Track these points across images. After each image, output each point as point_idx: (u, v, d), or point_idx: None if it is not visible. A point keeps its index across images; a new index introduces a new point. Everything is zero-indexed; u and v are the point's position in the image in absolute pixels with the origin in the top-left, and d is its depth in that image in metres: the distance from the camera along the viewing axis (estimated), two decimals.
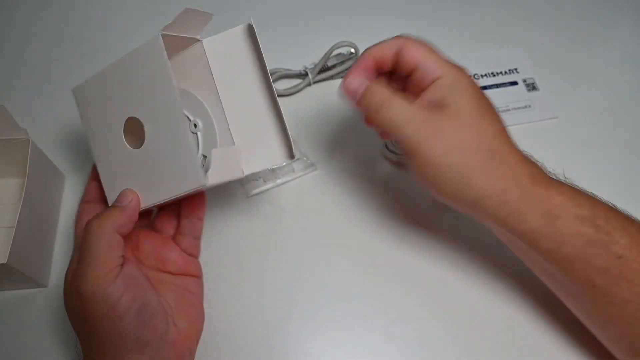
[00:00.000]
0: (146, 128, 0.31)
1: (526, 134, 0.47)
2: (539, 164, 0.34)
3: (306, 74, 0.50)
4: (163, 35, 0.30)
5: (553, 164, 0.46)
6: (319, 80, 0.50)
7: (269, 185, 0.43)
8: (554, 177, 0.33)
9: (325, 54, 0.49)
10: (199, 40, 0.34)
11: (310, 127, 0.48)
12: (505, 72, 0.52)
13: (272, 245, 0.42)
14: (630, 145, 0.47)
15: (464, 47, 0.54)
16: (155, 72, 0.30)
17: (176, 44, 0.33)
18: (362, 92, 0.34)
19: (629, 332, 0.31)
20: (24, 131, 0.39)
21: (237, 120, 0.34)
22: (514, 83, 0.51)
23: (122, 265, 0.30)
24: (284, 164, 0.33)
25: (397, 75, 0.35)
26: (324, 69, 0.50)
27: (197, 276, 0.36)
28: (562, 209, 0.30)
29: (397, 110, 0.32)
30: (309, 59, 0.50)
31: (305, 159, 0.45)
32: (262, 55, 0.32)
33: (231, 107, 0.34)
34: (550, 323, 0.37)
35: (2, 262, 0.34)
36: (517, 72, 0.52)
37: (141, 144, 0.32)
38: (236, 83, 0.33)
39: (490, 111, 0.33)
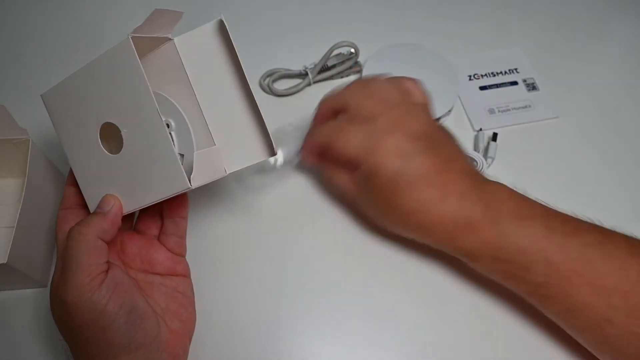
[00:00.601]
0: (123, 133, 0.31)
1: (526, 134, 0.48)
2: (490, 184, 0.36)
3: (306, 74, 0.50)
4: (133, 38, 0.29)
5: (553, 164, 0.46)
6: (319, 80, 0.50)
7: (267, 180, 0.43)
8: (509, 204, 0.34)
9: (325, 54, 0.49)
10: (170, 39, 0.33)
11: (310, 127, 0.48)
12: (506, 72, 0.52)
13: (265, 243, 0.42)
14: (631, 145, 0.47)
15: (464, 47, 0.54)
16: (127, 76, 0.29)
17: (147, 44, 0.32)
18: (319, 167, 0.41)
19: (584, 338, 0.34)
20: (24, 131, 0.39)
21: (215, 117, 0.33)
22: (514, 83, 0.51)
23: (106, 271, 0.30)
24: (265, 160, 0.33)
25: None
26: (324, 69, 0.50)
27: (186, 275, 0.36)
28: (477, 255, 0.34)
29: (337, 183, 0.39)
30: (309, 59, 0.50)
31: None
32: (235, 51, 0.31)
33: (209, 105, 0.33)
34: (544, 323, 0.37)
35: (2, 262, 0.33)
36: (517, 72, 0.52)
37: (119, 149, 0.31)
38: (212, 81, 0.33)
39: (408, 187, 0.34)
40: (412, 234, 0.37)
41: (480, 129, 0.47)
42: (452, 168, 0.35)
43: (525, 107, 0.49)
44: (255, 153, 0.33)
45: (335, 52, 0.49)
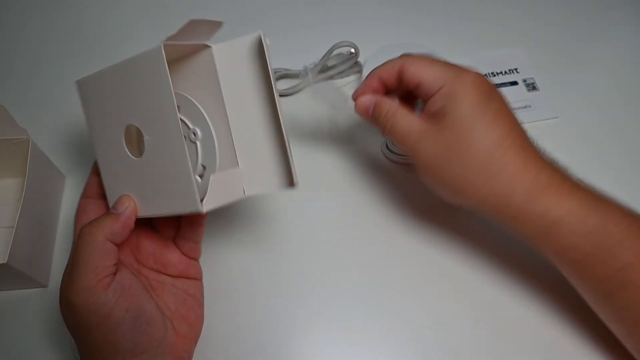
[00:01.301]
0: (146, 139, 0.30)
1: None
2: (557, 164, 0.34)
3: (306, 74, 0.50)
4: (165, 45, 0.28)
5: None
6: (319, 81, 0.50)
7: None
8: (574, 179, 0.33)
9: (325, 54, 0.49)
10: (208, 46, 0.32)
11: (310, 126, 0.48)
12: (505, 72, 0.52)
13: (272, 246, 0.42)
14: (631, 145, 0.47)
15: (464, 46, 0.54)
16: (155, 85, 0.28)
17: (184, 48, 0.32)
18: (371, 109, 0.36)
19: (634, 332, 0.32)
20: (24, 131, 0.39)
21: (241, 134, 0.32)
22: (514, 83, 0.51)
23: (115, 273, 0.29)
24: (283, 191, 0.31)
25: (409, 92, 0.36)
26: (324, 69, 0.50)
27: (198, 278, 0.36)
28: (559, 226, 0.31)
29: (400, 122, 0.35)
30: (309, 59, 0.50)
31: None
32: (269, 72, 0.30)
33: (236, 119, 0.32)
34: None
35: (2, 262, 0.33)
36: (517, 72, 0.52)
37: (141, 154, 0.31)
38: (243, 96, 0.32)
39: (494, 116, 0.32)
40: (479, 188, 0.33)
41: None
42: (522, 129, 0.33)
43: (525, 107, 0.49)
44: (274, 182, 0.32)
45: (335, 52, 0.49)
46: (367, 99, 0.37)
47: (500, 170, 0.32)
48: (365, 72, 0.49)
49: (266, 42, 0.30)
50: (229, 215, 0.43)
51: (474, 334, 0.38)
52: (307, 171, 0.45)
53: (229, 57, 0.32)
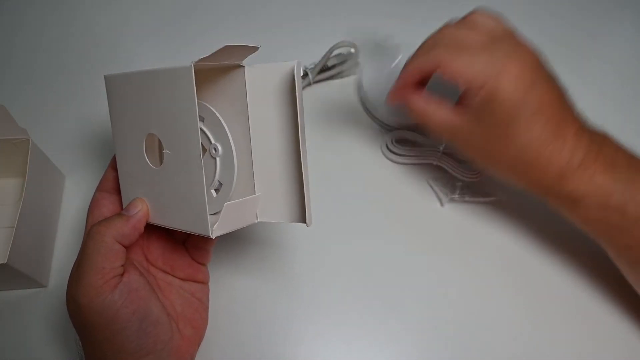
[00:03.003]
0: (165, 152, 0.29)
1: None
2: (596, 134, 0.35)
3: (306, 74, 0.50)
4: (195, 64, 0.27)
5: None
6: (319, 80, 0.50)
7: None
8: (611, 149, 0.35)
9: (325, 54, 0.49)
10: (241, 66, 0.32)
11: (310, 126, 0.48)
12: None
13: (273, 247, 0.42)
14: (632, 145, 0.47)
15: None
16: (181, 105, 0.28)
17: (217, 65, 0.31)
18: (407, 103, 0.38)
19: None
20: (24, 131, 0.39)
21: (261, 157, 0.32)
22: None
23: (122, 275, 0.29)
24: (296, 223, 0.31)
25: None
26: (324, 69, 0.50)
27: (205, 282, 0.36)
28: (586, 199, 0.34)
29: (434, 118, 0.37)
30: (309, 59, 0.50)
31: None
32: (296, 105, 0.29)
33: (259, 141, 0.32)
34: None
35: (2, 262, 0.33)
36: None
37: (160, 163, 0.30)
38: (269, 120, 0.31)
39: (537, 106, 0.33)
40: (517, 174, 0.36)
41: None
42: (566, 106, 0.35)
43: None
44: (287, 214, 0.31)
45: (335, 52, 0.49)
46: (398, 94, 0.38)
47: (537, 157, 0.34)
48: (366, 72, 0.49)
49: (299, 74, 0.29)
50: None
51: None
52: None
53: (261, 81, 0.31)
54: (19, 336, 0.38)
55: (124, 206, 0.33)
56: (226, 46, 0.27)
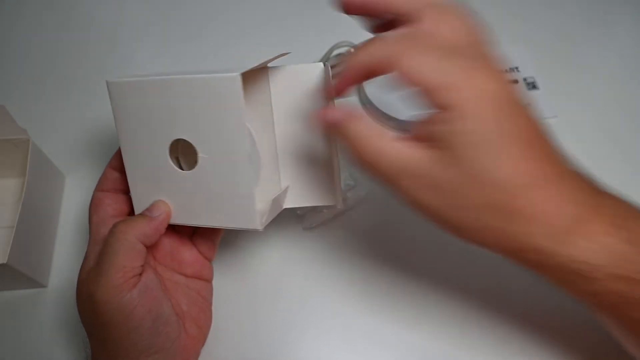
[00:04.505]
0: (200, 157, 0.30)
1: None
2: (592, 183, 0.27)
3: None
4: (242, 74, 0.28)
5: None
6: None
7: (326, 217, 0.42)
8: (612, 201, 0.27)
9: (325, 54, 0.49)
10: (265, 67, 0.32)
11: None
12: (506, 71, 0.51)
13: (271, 247, 0.42)
14: (630, 145, 0.47)
15: None
16: (227, 112, 0.28)
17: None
18: (335, 125, 0.27)
19: None
20: (24, 131, 0.39)
21: (288, 152, 0.34)
22: (515, 82, 0.51)
23: (140, 274, 0.29)
24: (328, 205, 0.33)
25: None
26: None
27: (209, 280, 0.36)
28: (592, 268, 0.25)
29: (381, 152, 0.26)
30: (309, 59, 0.50)
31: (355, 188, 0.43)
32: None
33: (284, 138, 0.33)
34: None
35: (2, 262, 0.33)
36: (518, 71, 0.52)
37: (187, 167, 0.31)
38: (295, 116, 0.33)
39: (515, 138, 0.25)
40: (494, 230, 0.25)
41: None
42: (546, 140, 0.27)
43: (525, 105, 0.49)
44: (321, 197, 0.34)
45: (335, 52, 0.49)
46: (333, 114, 0.27)
47: (522, 211, 0.25)
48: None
49: (328, 73, 0.30)
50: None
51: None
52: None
53: (287, 79, 0.33)
54: (19, 336, 0.38)
55: (135, 208, 0.33)
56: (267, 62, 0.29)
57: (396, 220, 0.43)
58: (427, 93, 0.24)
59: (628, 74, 0.52)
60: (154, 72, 0.32)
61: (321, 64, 0.30)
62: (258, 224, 0.30)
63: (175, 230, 0.35)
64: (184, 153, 0.33)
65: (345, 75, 0.27)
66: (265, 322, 0.38)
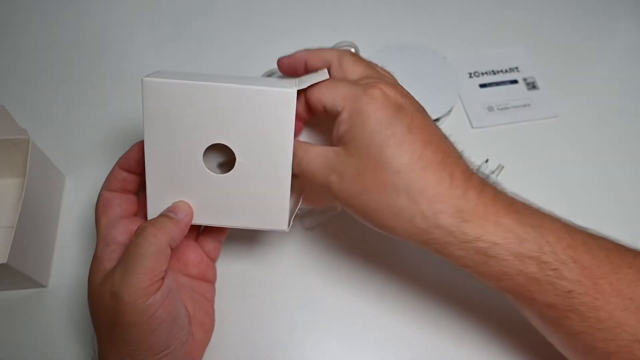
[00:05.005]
0: (238, 162, 0.31)
1: (525, 133, 0.48)
2: (485, 179, 0.31)
3: None
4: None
5: (552, 163, 0.46)
6: None
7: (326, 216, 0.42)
8: (506, 195, 0.30)
9: None
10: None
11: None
12: (506, 71, 0.52)
13: (269, 248, 0.42)
14: (630, 145, 0.47)
15: (466, 45, 0.54)
16: (277, 123, 0.30)
17: None
18: None
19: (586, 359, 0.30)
20: (24, 131, 0.39)
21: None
22: (514, 82, 0.51)
23: (164, 278, 0.30)
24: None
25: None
26: None
27: (213, 282, 0.36)
28: (498, 248, 0.28)
29: (306, 156, 0.31)
30: None
31: None
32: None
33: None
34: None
35: (2, 262, 0.33)
36: (518, 71, 0.52)
37: (222, 170, 0.33)
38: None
39: (406, 131, 0.29)
40: (402, 217, 0.29)
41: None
42: (445, 141, 0.30)
43: (525, 105, 0.49)
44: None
45: None
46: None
47: (421, 191, 0.28)
48: None
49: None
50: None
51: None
52: None
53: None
54: (19, 336, 0.38)
55: (149, 207, 0.32)
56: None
57: None
58: (333, 109, 0.31)
59: (628, 74, 0.52)
60: (187, 72, 0.33)
61: (292, 91, 0.30)
62: (286, 225, 0.32)
63: None
64: (210, 157, 0.33)
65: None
66: (265, 321, 0.38)
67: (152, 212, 0.32)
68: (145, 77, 0.30)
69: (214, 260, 0.36)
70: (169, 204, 0.32)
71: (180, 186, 0.32)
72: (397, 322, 0.38)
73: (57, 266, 0.41)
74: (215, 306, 0.36)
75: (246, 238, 0.42)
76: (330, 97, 0.31)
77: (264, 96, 0.30)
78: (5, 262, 0.33)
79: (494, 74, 0.51)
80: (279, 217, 0.32)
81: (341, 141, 0.30)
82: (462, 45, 0.53)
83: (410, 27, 0.55)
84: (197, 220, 0.32)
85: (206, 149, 0.31)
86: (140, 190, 0.34)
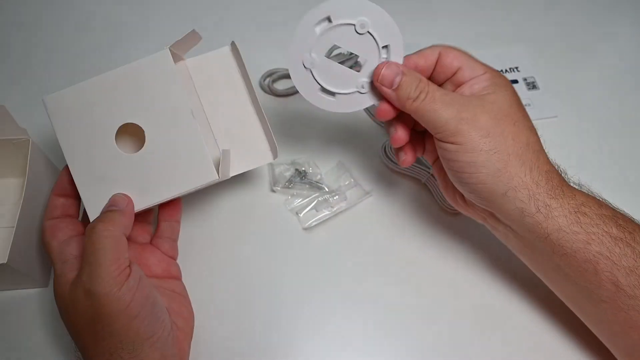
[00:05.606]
0: (147, 132, 0.33)
1: None
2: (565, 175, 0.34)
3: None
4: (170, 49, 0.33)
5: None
6: None
7: (325, 214, 0.43)
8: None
9: (325, 54, 0.49)
10: (182, 59, 0.36)
11: (309, 127, 0.48)
12: (506, 71, 0.52)
13: (266, 248, 0.42)
14: (629, 145, 0.47)
15: (466, 45, 0.53)
16: (162, 81, 0.32)
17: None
18: (399, 79, 0.33)
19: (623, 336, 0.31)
20: (24, 131, 0.39)
21: (222, 129, 0.37)
22: (514, 82, 0.51)
23: (130, 265, 0.31)
24: (270, 162, 0.37)
25: (434, 80, 0.35)
26: None
27: (179, 278, 0.38)
28: (588, 207, 0.31)
29: (436, 95, 0.32)
30: None
31: (358, 185, 0.44)
32: (245, 70, 0.36)
33: (216, 118, 0.37)
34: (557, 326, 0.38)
35: (2, 262, 0.33)
36: (518, 71, 0.52)
37: (137, 149, 0.33)
38: (222, 97, 0.37)
39: (524, 111, 0.34)
40: (512, 177, 0.31)
41: None
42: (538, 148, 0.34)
43: (525, 105, 0.48)
44: (262, 156, 0.37)
45: (336, 52, 0.49)
46: (393, 69, 0.33)
47: (533, 158, 0.32)
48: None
49: (237, 51, 0.35)
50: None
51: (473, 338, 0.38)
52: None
53: (206, 67, 0.37)
54: (19, 336, 0.38)
55: (89, 211, 0.33)
56: (194, 31, 0.33)
57: (396, 220, 0.43)
58: (473, 70, 0.35)
59: (628, 74, 0.52)
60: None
61: (229, 46, 0.37)
62: (215, 173, 0.33)
63: (134, 238, 0.37)
64: (124, 143, 0.35)
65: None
66: (265, 321, 0.38)
67: (93, 212, 0.33)
68: (45, 97, 0.33)
69: (174, 258, 0.38)
70: (106, 200, 0.33)
71: (108, 179, 0.33)
72: (399, 322, 0.38)
73: None
74: (215, 309, 0.37)
75: (246, 239, 0.42)
76: (471, 61, 0.34)
77: (143, 66, 0.33)
78: (5, 262, 0.34)
79: None
80: (206, 170, 0.33)
81: (475, 93, 0.33)
82: (462, 45, 0.53)
83: (410, 27, 0.55)
84: (138, 206, 0.33)
85: (121, 139, 0.33)
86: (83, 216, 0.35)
